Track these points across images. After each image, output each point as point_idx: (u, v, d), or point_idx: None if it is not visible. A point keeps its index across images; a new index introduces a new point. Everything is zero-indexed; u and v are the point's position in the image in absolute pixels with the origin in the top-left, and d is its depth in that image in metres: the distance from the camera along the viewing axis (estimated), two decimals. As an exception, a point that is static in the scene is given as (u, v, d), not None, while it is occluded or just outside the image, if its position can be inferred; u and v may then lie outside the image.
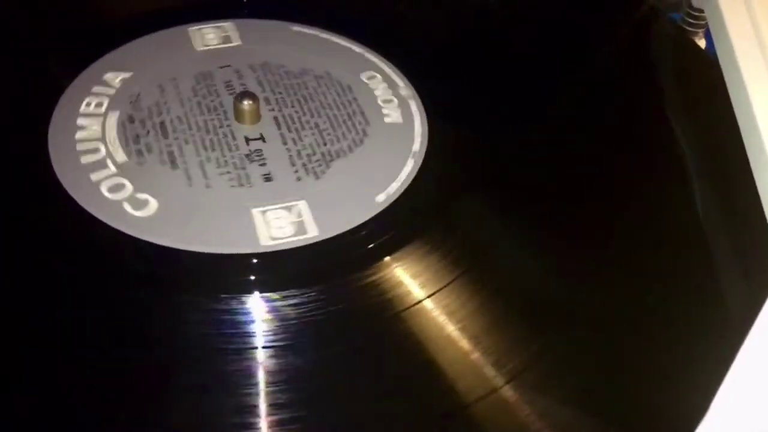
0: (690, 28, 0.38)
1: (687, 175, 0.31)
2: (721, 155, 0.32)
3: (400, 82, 0.34)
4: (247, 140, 0.31)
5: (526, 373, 0.24)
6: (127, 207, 0.28)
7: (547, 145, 0.32)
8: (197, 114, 0.32)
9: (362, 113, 0.33)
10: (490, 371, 0.24)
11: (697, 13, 0.38)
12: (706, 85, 0.34)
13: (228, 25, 0.36)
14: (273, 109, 0.32)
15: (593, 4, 0.40)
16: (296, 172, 0.30)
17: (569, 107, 0.34)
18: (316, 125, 0.32)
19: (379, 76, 0.34)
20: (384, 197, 0.29)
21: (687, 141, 0.33)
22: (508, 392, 0.24)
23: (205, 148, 0.31)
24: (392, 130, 0.32)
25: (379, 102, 0.33)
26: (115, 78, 0.33)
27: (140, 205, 0.28)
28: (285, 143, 0.31)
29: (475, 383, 0.24)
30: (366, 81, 0.34)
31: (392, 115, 0.33)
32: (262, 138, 0.31)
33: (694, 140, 0.33)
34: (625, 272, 0.28)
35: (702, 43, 0.38)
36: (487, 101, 0.34)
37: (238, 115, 0.32)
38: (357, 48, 0.35)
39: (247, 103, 0.31)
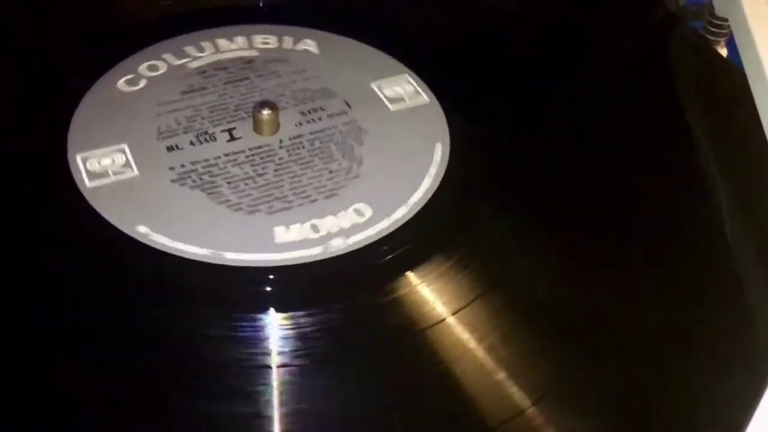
0: (712, 37, 0.38)
1: (711, 185, 0.31)
2: (745, 162, 0.31)
3: (413, 81, 0.34)
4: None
5: (553, 394, 0.24)
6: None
7: (570, 157, 0.32)
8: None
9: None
10: (516, 392, 0.24)
11: (719, 22, 0.37)
12: (729, 93, 0.34)
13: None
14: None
15: (613, 12, 0.39)
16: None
17: (591, 119, 0.34)
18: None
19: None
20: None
21: (711, 149, 0.32)
22: (534, 414, 0.23)
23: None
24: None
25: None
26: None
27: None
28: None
29: (501, 403, 0.24)
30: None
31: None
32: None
33: (719, 148, 0.32)
34: (655, 289, 0.27)
35: (723, 52, 0.38)
36: (511, 113, 0.33)
37: (257, 125, 0.31)
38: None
39: (266, 113, 0.31)
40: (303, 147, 0.31)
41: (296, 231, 0.28)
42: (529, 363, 0.25)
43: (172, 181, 0.29)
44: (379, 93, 0.33)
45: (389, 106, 0.33)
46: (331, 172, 0.30)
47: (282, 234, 0.28)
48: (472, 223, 0.29)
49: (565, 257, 0.28)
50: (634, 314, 0.26)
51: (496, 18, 0.38)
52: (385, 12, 0.37)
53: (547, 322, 0.26)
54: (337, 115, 0.32)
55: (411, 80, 0.34)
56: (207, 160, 0.30)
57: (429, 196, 0.29)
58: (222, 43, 0.35)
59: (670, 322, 0.26)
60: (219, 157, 0.30)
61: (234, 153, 0.31)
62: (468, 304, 0.26)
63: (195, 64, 0.34)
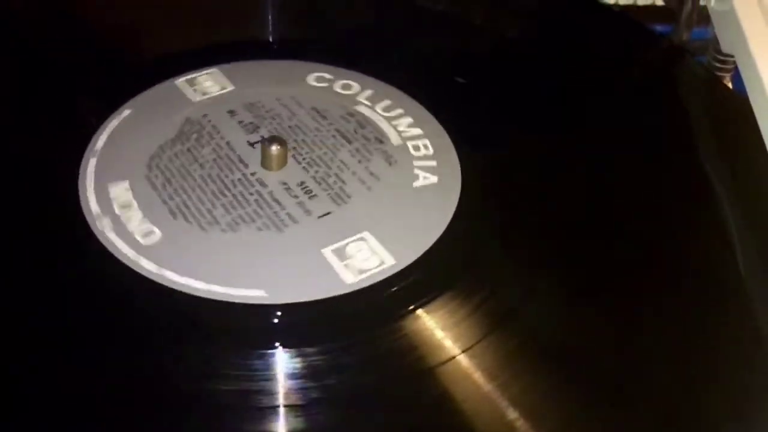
0: (717, 72, 0.38)
1: (725, 217, 0.32)
2: (754, 195, 0.32)
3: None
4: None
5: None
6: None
7: (580, 197, 0.32)
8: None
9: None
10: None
11: (724, 57, 0.38)
12: (737, 126, 0.34)
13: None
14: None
15: (619, 46, 0.40)
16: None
17: (601, 158, 0.34)
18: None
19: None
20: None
21: (722, 183, 0.33)
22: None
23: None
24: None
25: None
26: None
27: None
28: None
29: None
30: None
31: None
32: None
33: (730, 184, 0.33)
34: (669, 329, 0.27)
35: (728, 85, 0.39)
36: (520, 150, 0.34)
37: (265, 161, 0.32)
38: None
39: (275, 148, 0.32)
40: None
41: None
42: (541, 402, 0.25)
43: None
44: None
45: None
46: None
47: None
48: (482, 262, 0.29)
49: (578, 297, 0.28)
50: (651, 356, 0.26)
51: (509, 58, 0.39)
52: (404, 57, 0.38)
53: (559, 362, 0.26)
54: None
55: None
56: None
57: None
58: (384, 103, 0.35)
59: (687, 364, 0.26)
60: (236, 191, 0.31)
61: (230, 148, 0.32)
62: (478, 342, 0.26)
63: (338, 87, 0.35)
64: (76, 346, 0.26)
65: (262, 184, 0.31)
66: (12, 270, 0.28)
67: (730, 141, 0.35)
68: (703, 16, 0.43)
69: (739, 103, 0.35)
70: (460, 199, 0.31)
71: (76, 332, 0.26)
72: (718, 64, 0.38)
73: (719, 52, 0.38)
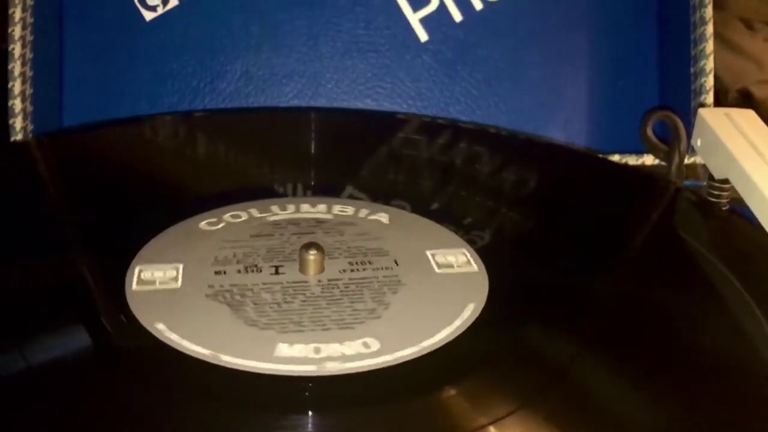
0: (714, 199, 0.40)
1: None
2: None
3: (467, 253, 0.36)
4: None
5: None
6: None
7: (593, 331, 0.32)
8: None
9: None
10: None
11: (719, 185, 0.40)
12: (747, 250, 0.35)
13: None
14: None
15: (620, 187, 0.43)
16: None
17: (612, 282, 0.35)
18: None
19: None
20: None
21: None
22: None
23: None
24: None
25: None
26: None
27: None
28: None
29: None
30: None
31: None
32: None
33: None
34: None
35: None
36: (537, 273, 0.35)
37: (303, 265, 0.33)
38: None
39: (312, 254, 0.33)
40: (337, 288, 0.33)
41: (298, 349, 0.29)
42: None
43: (206, 296, 0.32)
44: (430, 258, 0.35)
45: (436, 269, 0.34)
46: (354, 310, 0.31)
47: (283, 349, 0.29)
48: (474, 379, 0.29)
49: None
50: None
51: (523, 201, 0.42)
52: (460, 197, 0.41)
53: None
54: (381, 269, 0.34)
55: (466, 253, 0.35)
56: (245, 285, 0.32)
57: (441, 344, 0.30)
58: (305, 206, 0.38)
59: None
60: (256, 284, 0.32)
61: (271, 283, 0.33)
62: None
63: (273, 218, 0.37)
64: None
65: (332, 280, 0.33)
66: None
67: (741, 262, 0.37)
68: (692, 171, 0.47)
69: (738, 227, 0.38)
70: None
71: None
72: (714, 191, 0.41)
73: (713, 179, 0.41)
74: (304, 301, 0.32)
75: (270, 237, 0.36)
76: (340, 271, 0.34)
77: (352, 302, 0.32)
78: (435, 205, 0.39)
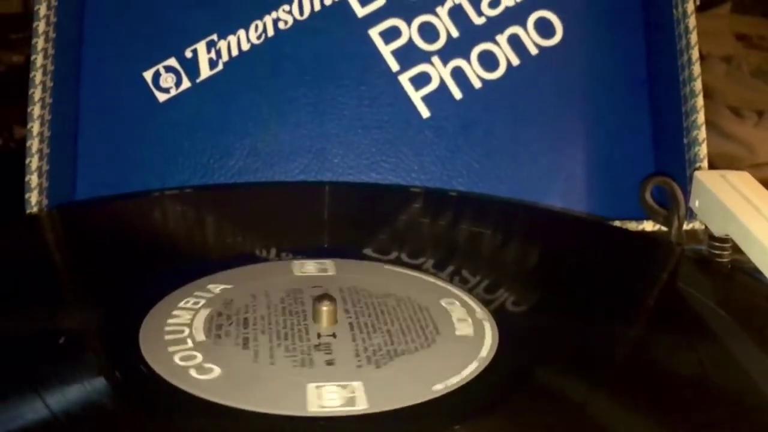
0: (717, 259, 0.41)
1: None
2: None
3: (477, 308, 0.36)
4: (319, 335, 0.33)
5: None
6: (193, 372, 0.30)
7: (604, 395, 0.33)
8: (279, 315, 0.34)
9: (435, 326, 0.34)
10: None
11: (719, 243, 0.41)
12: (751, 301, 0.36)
13: (328, 261, 0.40)
14: (350, 317, 0.35)
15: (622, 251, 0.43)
16: (359, 361, 0.31)
17: (620, 341, 0.36)
18: (388, 331, 0.34)
19: (457, 302, 0.36)
20: (442, 386, 0.30)
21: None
22: None
23: (279, 338, 0.33)
24: (461, 341, 0.33)
25: (453, 320, 0.35)
26: (217, 287, 0.37)
27: (205, 371, 0.30)
28: (354, 340, 0.33)
29: None
30: (444, 305, 0.36)
31: (464, 330, 0.34)
32: (333, 335, 0.33)
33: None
34: None
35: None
36: (550, 330, 0.36)
37: (316, 315, 0.34)
38: (441, 282, 0.38)
39: (325, 305, 0.34)
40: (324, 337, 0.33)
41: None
42: None
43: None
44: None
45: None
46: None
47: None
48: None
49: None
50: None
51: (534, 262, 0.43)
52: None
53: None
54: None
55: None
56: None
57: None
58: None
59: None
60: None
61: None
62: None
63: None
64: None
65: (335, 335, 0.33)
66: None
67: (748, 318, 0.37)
68: (693, 236, 0.48)
69: (741, 280, 0.39)
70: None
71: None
72: (715, 251, 0.42)
73: (714, 238, 0.42)
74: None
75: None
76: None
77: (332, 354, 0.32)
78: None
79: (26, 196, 0.46)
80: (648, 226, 0.48)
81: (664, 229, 0.46)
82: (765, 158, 0.83)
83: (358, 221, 0.46)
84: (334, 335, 0.33)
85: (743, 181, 0.43)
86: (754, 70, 0.97)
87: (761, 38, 1.04)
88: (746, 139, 0.84)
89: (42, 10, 0.47)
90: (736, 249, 0.41)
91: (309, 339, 0.33)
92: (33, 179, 0.46)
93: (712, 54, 0.98)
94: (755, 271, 0.39)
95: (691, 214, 0.46)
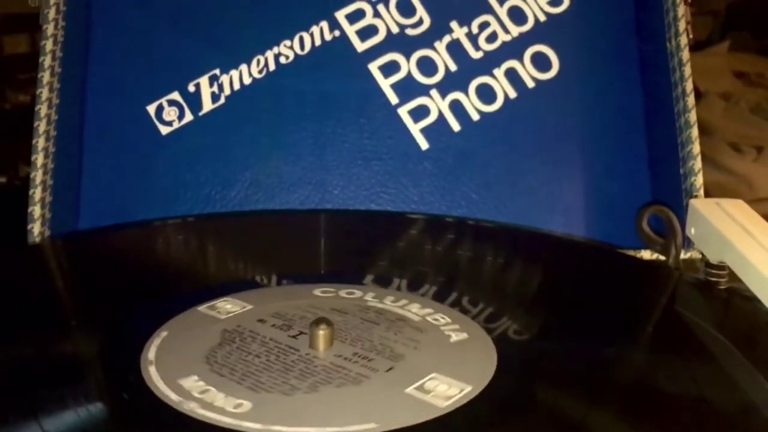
0: (714, 286, 0.41)
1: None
2: None
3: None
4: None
5: None
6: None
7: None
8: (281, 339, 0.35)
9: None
10: None
11: (716, 271, 0.41)
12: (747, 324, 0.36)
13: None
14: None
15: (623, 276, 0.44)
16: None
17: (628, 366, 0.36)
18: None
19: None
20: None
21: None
22: None
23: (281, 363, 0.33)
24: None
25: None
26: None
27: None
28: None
29: None
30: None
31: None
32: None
33: None
34: None
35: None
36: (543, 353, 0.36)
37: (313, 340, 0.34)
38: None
39: (322, 328, 0.34)
40: (323, 363, 0.33)
41: (226, 400, 0.30)
42: None
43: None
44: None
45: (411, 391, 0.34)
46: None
47: (217, 398, 0.31)
48: None
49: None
50: None
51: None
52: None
53: None
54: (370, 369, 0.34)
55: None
56: (257, 333, 0.35)
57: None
58: (415, 306, 0.39)
59: None
60: (265, 337, 0.35)
61: (278, 341, 0.35)
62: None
63: (344, 293, 0.40)
64: None
65: (320, 359, 0.33)
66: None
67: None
68: (690, 266, 0.48)
69: (737, 305, 0.39)
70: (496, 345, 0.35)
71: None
72: (712, 278, 0.42)
73: (710, 266, 0.42)
74: (284, 364, 0.33)
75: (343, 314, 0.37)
76: (345, 355, 0.34)
77: (329, 378, 0.32)
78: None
79: (29, 226, 0.47)
80: (646, 255, 0.48)
81: (661, 258, 0.47)
82: (765, 193, 0.83)
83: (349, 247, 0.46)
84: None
85: (738, 208, 0.43)
86: (753, 107, 0.97)
87: (759, 76, 1.05)
88: (746, 174, 0.85)
89: (48, 45, 0.49)
90: (733, 276, 0.41)
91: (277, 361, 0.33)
92: (36, 210, 0.47)
93: (710, 91, 0.99)
94: (754, 299, 0.39)
95: (688, 244, 0.46)
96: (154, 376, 0.32)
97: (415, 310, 0.38)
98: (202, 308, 0.38)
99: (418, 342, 0.35)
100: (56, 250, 0.46)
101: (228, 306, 0.38)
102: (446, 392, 0.31)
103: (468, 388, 0.31)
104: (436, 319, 0.37)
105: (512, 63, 0.53)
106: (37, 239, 0.47)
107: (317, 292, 0.40)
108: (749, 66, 1.08)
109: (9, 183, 0.99)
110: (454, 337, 0.36)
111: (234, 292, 0.39)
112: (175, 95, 0.52)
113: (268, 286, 0.42)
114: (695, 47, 0.51)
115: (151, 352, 0.34)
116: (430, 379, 0.32)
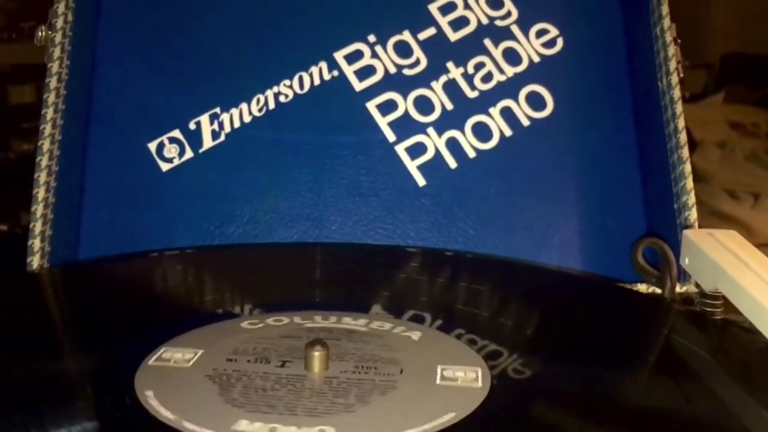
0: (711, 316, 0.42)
1: None
2: None
3: (480, 371, 0.35)
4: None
5: None
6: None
7: None
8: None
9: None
10: None
11: (710, 300, 0.42)
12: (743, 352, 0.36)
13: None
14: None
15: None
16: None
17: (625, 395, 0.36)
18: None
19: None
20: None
21: None
22: None
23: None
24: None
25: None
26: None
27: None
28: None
29: None
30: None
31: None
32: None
33: None
34: None
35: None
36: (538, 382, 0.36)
37: (308, 362, 0.34)
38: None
39: (317, 349, 0.34)
40: (330, 384, 0.33)
41: (256, 427, 0.30)
42: None
43: (206, 375, 0.33)
44: (438, 372, 0.35)
45: (438, 381, 0.34)
46: (332, 403, 0.32)
47: (242, 425, 0.30)
48: None
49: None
50: None
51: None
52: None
53: None
54: (384, 374, 0.35)
55: (479, 371, 0.35)
56: (245, 372, 0.34)
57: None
58: (347, 319, 0.40)
59: None
60: (256, 372, 0.34)
61: (270, 373, 0.34)
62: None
63: (310, 325, 0.39)
64: None
65: (332, 377, 0.34)
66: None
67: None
68: (687, 299, 0.48)
69: (733, 333, 0.39)
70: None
71: None
72: (707, 308, 0.42)
73: (705, 295, 0.42)
74: (290, 390, 0.33)
75: (297, 339, 0.37)
76: (342, 371, 0.34)
77: (335, 397, 0.32)
78: (461, 328, 0.40)
79: (28, 259, 0.47)
80: (642, 288, 0.49)
81: (657, 291, 0.47)
82: (763, 239, 0.84)
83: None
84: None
85: (730, 238, 0.43)
86: (748, 155, 0.99)
87: (754, 125, 1.07)
88: (744, 220, 0.86)
89: (52, 83, 0.50)
90: (728, 308, 0.41)
91: (283, 388, 0.33)
92: (36, 243, 0.47)
93: (706, 140, 1.01)
94: (748, 329, 0.39)
95: (683, 277, 0.46)
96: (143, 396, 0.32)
97: (386, 327, 0.39)
98: (152, 362, 0.35)
99: (390, 346, 0.36)
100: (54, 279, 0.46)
101: (178, 355, 0.35)
102: (469, 376, 0.33)
103: (480, 370, 0.34)
104: (381, 325, 0.38)
105: (507, 102, 0.54)
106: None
107: (245, 324, 0.39)
108: (744, 116, 1.09)
109: (10, 231, 1.00)
110: (414, 336, 0.37)
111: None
112: (176, 133, 0.53)
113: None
114: (691, 99, 0.52)
115: (142, 373, 0.34)
116: (444, 369, 0.34)
